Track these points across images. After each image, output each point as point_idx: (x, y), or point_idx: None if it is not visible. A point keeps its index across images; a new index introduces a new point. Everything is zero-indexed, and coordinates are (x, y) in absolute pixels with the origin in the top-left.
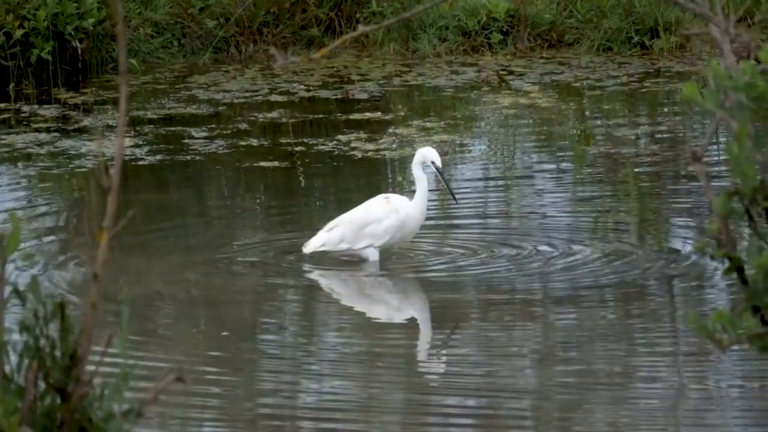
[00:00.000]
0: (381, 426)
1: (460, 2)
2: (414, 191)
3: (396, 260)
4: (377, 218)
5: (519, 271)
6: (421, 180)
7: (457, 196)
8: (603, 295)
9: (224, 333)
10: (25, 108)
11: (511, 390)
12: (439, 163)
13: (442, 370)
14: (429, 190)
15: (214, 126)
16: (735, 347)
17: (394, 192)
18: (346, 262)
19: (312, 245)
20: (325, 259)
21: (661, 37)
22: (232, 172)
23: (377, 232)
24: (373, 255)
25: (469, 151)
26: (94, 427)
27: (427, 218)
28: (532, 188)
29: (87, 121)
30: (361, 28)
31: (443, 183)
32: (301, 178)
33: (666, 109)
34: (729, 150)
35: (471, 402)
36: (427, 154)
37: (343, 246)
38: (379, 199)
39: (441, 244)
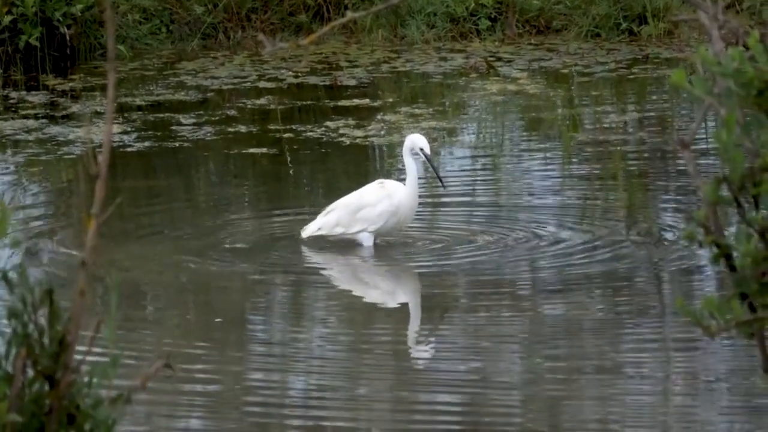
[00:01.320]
0: (368, 413)
1: None
2: (403, 177)
3: (386, 246)
4: (370, 203)
5: (507, 258)
6: (411, 167)
7: (445, 183)
8: (591, 284)
9: (217, 319)
10: (13, 94)
11: (498, 380)
12: (427, 150)
13: (429, 359)
14: (418, 177)
15: (202, 112)
16: (724, 336)
17: (384, 178)
18: (338, 247)
19: (309, 229)
20: (316, 245)
21: (649, 23)
22: (220, 159)
23: (371, 217)
24: (367, 240)
25: (458, 138)
26: (82, 414)
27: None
28: (521, 175)
29: (75, 108)
30: (349, 15)
31: (432, 170)
32: (289, 165)
33: (654, 96)
34: (718, 137)
35: (458, 392)
36: (416, 141)
37: (339, 230)
38: (374, 184)
39: (430, 230)
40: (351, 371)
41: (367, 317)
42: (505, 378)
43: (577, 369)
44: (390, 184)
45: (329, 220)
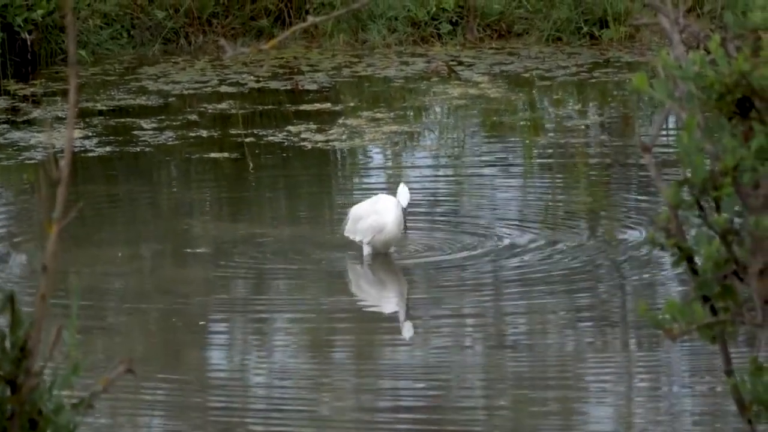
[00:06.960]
0: (332, 410)
1: None
2: (367, 187)
3: (343, 251)
4: (362, 215)
5: (469, 261)
6: (399, 205)
7: (407, 231)
8: (553, 286)
9: (201, 322)
10: None
11: (463, 380)
12: (404, 203)
13: (391, 359)
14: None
15: (163, 117)
16: (685, 338)
17: (382, 192)
18: (301, 251)
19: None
20: (283, 250)
21: (610, 27)
22: (181, 163)
23: (362, 229)
24: (365, 249)
25: (420, 142)
26: (44, 419)
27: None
28: (482, 178)
29: (36, 113)
30: (310, 19)
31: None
32: (251, 169)
33: (616, 99)
34: (679, 140)
35: (421, 389)
36: (399, 191)
37: (350, 236)
38: (373, 198)
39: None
40: (313, 370)
41: (325, 318)
42: (468, 376)
43: (540, 368)
44: (384, 201)
45: (346, 223)
